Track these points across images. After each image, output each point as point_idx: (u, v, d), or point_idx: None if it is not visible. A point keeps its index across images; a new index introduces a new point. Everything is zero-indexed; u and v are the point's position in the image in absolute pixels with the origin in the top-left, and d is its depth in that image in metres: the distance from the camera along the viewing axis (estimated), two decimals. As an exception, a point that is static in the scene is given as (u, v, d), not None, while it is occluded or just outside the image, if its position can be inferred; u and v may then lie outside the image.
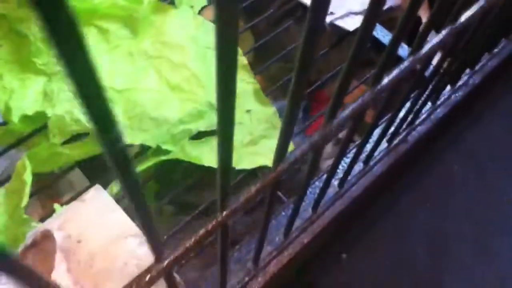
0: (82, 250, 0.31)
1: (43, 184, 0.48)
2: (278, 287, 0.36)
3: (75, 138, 0.46)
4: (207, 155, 0.49)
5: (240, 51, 0.57)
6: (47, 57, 0.49)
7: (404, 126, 0.43)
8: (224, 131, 0.15)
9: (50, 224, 0.34)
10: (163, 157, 0.48)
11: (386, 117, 0.39)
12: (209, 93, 0.52)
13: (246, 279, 0.33)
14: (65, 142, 0.45)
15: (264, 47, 0.59)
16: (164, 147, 0.48)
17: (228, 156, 0.16)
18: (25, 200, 0.40)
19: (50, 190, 0.56)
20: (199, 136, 0.50)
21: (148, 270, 0.19)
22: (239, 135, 0.51)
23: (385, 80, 0.23)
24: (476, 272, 0.40)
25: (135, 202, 0.14)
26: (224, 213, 0.19)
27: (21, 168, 0.42)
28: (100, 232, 0.32)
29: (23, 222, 0.40)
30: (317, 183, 0.42)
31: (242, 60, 0.55)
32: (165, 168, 0.51)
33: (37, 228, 0.34)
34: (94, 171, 0.54)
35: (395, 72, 0.23)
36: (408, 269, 0.40)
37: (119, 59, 0.50)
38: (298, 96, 0.18)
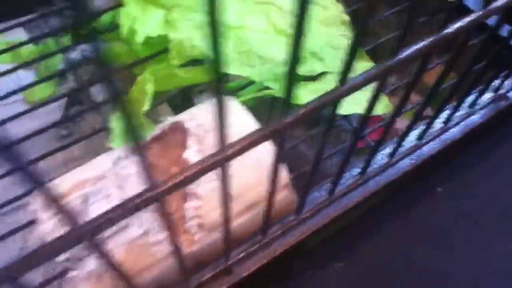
0: (212, 138, 0.34)
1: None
2: (377, 203, 0.38)
3: (191, 63, 0.50)
4: (305, 96, 0.51)
5: (341, 8, 0.59)
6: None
7: (506, 82, 0.44)
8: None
9: (180, 117, 0.37)
10: (266, 92, 0.51)
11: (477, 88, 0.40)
12: (311, 41, 0.54)
13: (352, 187, 0.36)
14: (181, 66, 0.49)
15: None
16: (266, 83, 0.51)
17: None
18: (145, 107, 0.45)
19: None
20: (299, 79, 0.53)
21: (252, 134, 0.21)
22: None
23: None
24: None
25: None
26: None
27: (143, 80, 0.47)
28: (229, 127, 0.35)
29: (142, 126, 0.44)
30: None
31: (343, 16, 0.58)
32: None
33: (167, 121, 0.38)
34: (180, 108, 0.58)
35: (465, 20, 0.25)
36: (501, 211, 0.41)
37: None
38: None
